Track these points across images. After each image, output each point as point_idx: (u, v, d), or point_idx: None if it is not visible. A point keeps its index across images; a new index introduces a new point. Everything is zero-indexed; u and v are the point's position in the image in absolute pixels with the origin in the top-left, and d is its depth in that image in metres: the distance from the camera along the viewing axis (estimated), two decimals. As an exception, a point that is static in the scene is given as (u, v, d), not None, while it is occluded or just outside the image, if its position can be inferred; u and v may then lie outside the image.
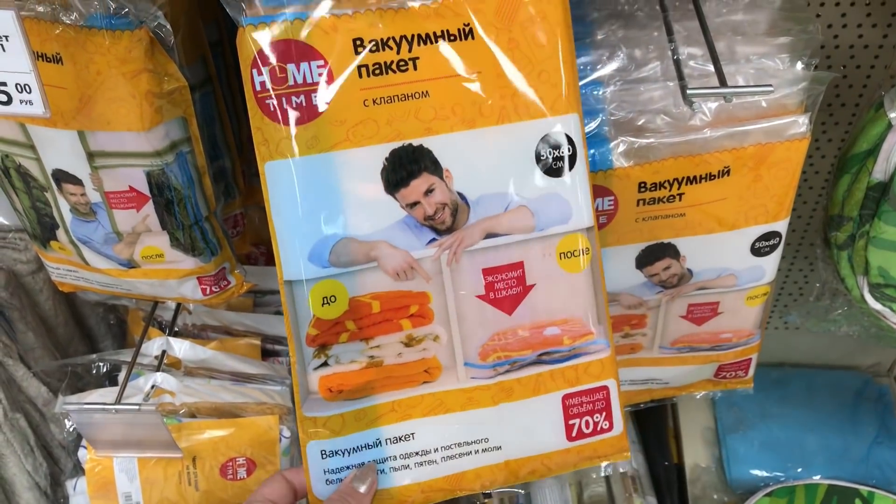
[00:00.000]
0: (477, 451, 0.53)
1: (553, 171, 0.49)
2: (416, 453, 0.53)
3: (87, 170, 0.57)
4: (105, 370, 0.81)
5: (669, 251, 0.61)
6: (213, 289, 0.66)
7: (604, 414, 0.54)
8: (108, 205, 0.59)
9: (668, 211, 0.59)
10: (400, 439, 0.52)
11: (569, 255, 0.51)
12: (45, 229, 0.64)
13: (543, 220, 0.50)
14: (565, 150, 0.48)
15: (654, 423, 1.00)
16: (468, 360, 0.52)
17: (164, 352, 0.76)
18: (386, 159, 0.47)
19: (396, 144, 0.47)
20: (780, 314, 1.04)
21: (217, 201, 0.63)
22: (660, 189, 0.57)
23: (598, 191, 0.57)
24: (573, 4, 0.58)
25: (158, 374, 0.74)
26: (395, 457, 0.52)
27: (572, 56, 0.47)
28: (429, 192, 0.48)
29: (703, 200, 0.58)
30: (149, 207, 0.59)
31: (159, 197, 0.58)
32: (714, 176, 0.57)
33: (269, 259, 0.88)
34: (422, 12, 0.45)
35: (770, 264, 0.63)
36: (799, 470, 0.98)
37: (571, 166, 0.49)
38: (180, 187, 0.58)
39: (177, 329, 0.84)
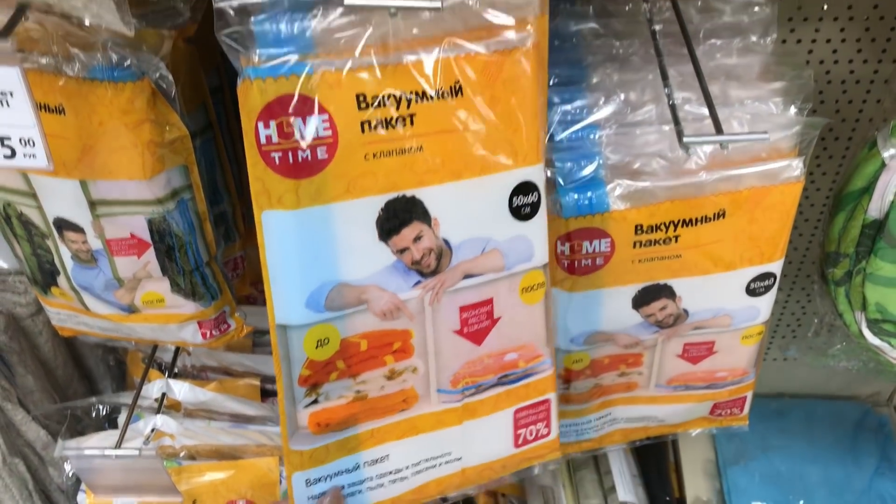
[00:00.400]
0: (441, 464, 0.59)
1: (523, 216, 0.52)
2: (390, 472, 0.57)
3: (89, 218, 0.57)
4: (105, 412, 0.81)
5: (666, 292, 0.61)
6: (214, 332, 0.66)
7: (545, 422, 0.61)
8: (109, 252, 0.59)
9: (664, 253, 0.59)
10: (376, 462, 0.56)
11: (529, 289, 0.55)
12: (45, 276, 0.64)
13: (512, 259, 0.53)
14: (534, 197, 0.52)
15: (654, 457, 1.00)
16: (441, 387, 0.56)
17: (163, 394, 0.76)
18: (381, 209, 0.48)
19: (392, 196, 0.48)
20: (779, 346, 1.04)
21: (217, 246, 0.64)
22: (656, 231, 0.58)
23: (595, 233, 0.58)
24: (569, 48, 0.60)
25: (158, 416, 0.74)
26: (372, 478, 0.57)
27: (544, 110, 0.50)
28: (417, 238, 0.50)
29: (699, 242, 0.58)
30: (150, 254, 0.59)
31: (160, 244, 0.59)
32: (710, 219, 0.57)
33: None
34: (417, 68, 0.45)
35: (765, 304, 0.64)
36: (801, 502, 0.97)
37: (536, 211, 0.52)
38: (181, 234, 0.59)
39: (176, 370, 0.84)
